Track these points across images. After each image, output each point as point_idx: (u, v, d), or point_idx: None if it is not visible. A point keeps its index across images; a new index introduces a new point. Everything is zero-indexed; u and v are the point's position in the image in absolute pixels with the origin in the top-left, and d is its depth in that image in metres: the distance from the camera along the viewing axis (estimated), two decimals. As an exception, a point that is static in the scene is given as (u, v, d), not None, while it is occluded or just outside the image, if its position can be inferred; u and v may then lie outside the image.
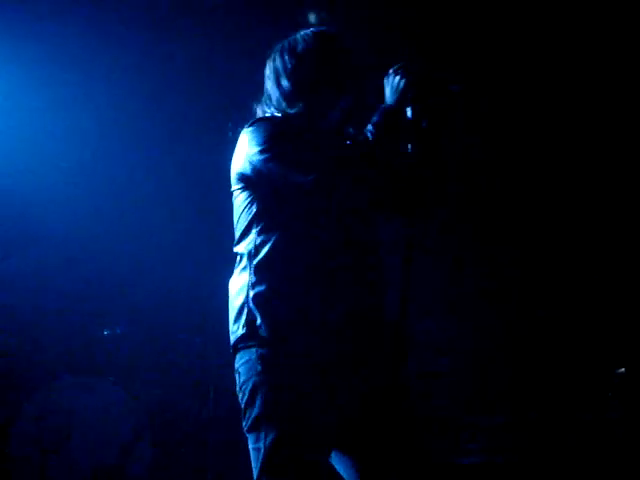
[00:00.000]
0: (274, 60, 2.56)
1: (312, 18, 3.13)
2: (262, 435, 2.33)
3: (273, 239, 2.37)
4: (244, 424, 2.40)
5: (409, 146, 2.47)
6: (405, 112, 2.45)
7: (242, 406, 2.39)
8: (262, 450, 2.33)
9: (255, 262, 2.38)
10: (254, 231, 2.40)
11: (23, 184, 4.24)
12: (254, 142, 2.41)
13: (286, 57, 2.53)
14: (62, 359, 4.51)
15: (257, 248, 2.38)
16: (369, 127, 2.42)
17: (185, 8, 4.07)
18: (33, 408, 4.25)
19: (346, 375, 2.38)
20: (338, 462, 2.44)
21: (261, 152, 2.38)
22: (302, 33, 2.59)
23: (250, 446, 2.40)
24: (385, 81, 2.53)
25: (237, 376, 2.41)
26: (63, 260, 4.39)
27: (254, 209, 2.42)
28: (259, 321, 2.34)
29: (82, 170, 4.34)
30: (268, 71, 2.56)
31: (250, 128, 2.45)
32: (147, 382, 4.44)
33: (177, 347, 4.48)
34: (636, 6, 3.44)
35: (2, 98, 4.16)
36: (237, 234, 2.48)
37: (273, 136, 2.40)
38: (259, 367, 2.33)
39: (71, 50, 4.13)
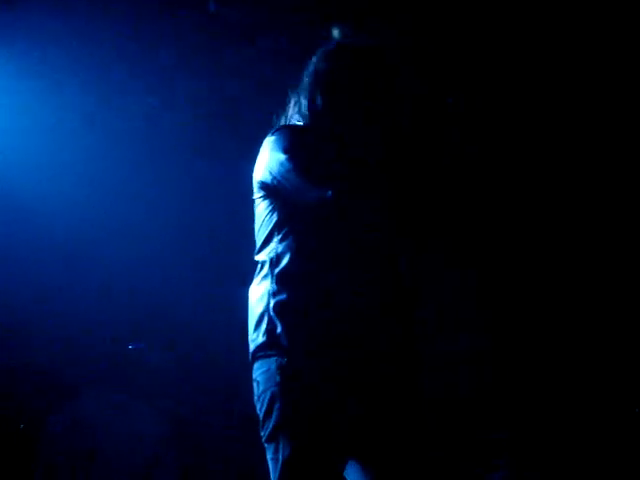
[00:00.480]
0: (308, 68, 2.54)
1: (335, 33, 3.12)
2: (280, 446, 2.32)
3: (294, 248, 2.36)
4: (262, 434, 2.39)
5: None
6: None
7: (260, 416, 2.39)
8: (280, 461, 2.32)
9: (276, 271, 2.37)
10: (275, 240, 2.40)
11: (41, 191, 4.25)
12: (275, 151, 2.41)
13: (320, 67, 2.51)
14: (89, 373, 4.54)
15: (278, 257, 2.38)
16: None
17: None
18: (61, 421, 4.28)
19: (364, 387, 2.36)
20: (353, 474, 2.43)
21: (281, 163, 2.38)
22: (341, 45, 2.59)
23: (268, 456, 2.39)
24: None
25: (255, 385, 2.40)
26: (95, 277, 4.43)
27: (275, 218, 2.41)
28: (279, 329, 2.33)
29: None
30: (301, 79, 2.55)
31: (272, 137, 2.45)
32: (173, 396, 4.45)
33: (202, 362, 4.49)
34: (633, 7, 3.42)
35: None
36: (258, 243, 2.48)
37: (294, 147, 2.39)
38: (278, 377, 2.32)
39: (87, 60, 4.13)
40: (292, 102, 2.55)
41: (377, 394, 2.38)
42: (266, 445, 2.39)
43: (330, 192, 2.31)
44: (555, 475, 3.41)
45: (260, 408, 2.38)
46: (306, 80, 2.52)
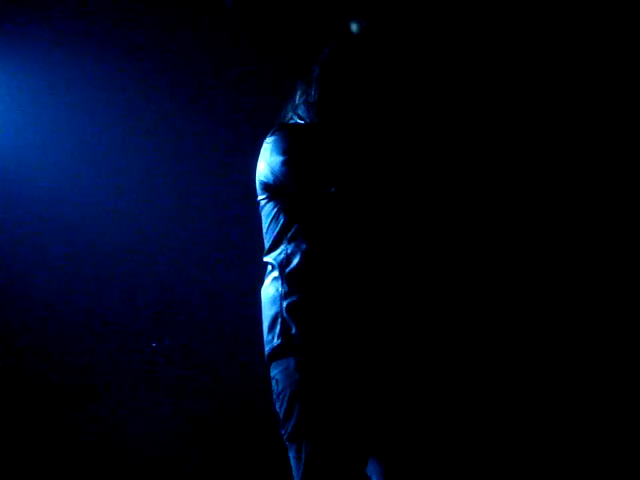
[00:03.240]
0: (310, 66, 2.55)
1: (354, 27, 3.12)
2: (303, 445, 2.35)
3: (304, 249, 2.38)
4: (283, 432, 2.42)
5: None
6: None
7: (280, 415, 2.41)
8: (303, 460, 2.35)
9: (287, 272, 2.39)
10: (284, 241, 2.42)
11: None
12: (276, 151, 2.41)
13: (321, 66, 2.52)
14: (114, 371, 4.57)
15: (288, 258, 2.40)
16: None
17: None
18: (86, 419, 4.32)
19: (379, 383, 2.40)
20: (374, 471, 2.45)
21: (282, 163, 2.38)
22: (344, 43, 2.58)
23: (290, 454, 2.42)
24: None
25: (274, 383, 2.42)
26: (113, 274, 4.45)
27: (282, 219, 2.43)
28: (294, 330, 2.35)
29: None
30: (302, 77, 2.56)
31: (272, 137, 2.45)
32: (196, 393, 4.48)
33: (224, 359, 4.51)
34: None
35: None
36: (267, 244, 2.50)
37: (294, 147, 2.40)
38: (297, 376, 2.35)
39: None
40: (297, 96, 2.55)
41: (391, 389, 2.41)
42: (288, 444, 2.41)
43: (333, 188, 2.32)
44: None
45: (280, 406, 2.40)
46: (312, 75, 2.53)
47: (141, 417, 4.36)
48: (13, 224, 4.22)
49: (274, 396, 2.43)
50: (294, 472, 2.42)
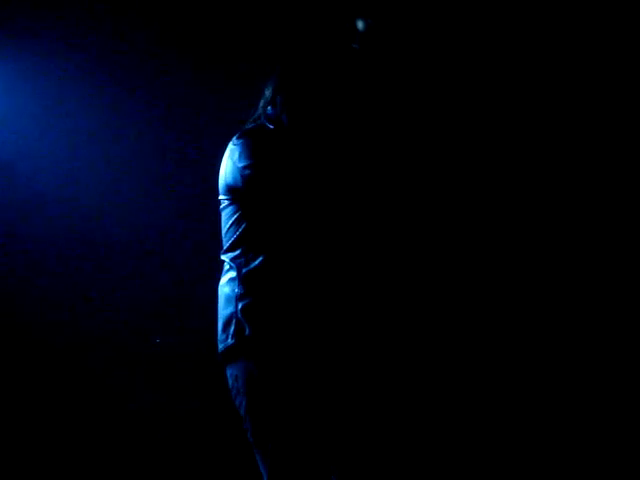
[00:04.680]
0: (276, 72, 2.54)
1: (360, 25, 3.10)
2: (261, 451, 2.36)
3: (262, 253, 2.38)
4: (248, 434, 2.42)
5: None
6: None
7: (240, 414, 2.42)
8: (262, 465, 2.37)
9: (244, 274, 2.39)
10: (244, 244, 2.42)
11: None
12: (242, 155, 2.41)
13: (286, 71, 2.50)
14: (137, 375, 4.59)
15: (247, 261, 2.40)
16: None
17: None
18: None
19: (335, 389, 2.37)
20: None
21: (247, 166, 2.38)
22: (308, 49, 2.56)
23: (257, 458, 2.42)
24: None
25: (230, 383, 2.43)
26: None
27: (243, 224, 2.43)
28: (248, 331, 2.36)
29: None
30: (268, 82, 2.54)
31: (239, 141, 2.45)
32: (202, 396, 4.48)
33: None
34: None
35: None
36: (225, 243, 2.49)
37: (260, 150, 2.39)
38: (250, 379, 2.35)
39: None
40: (263, 101, 2.53)
41: (344, 395, 2.38)
42: (254, 449, 2.42)
43: (292, 192, 2.33)
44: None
45: (238, 407, 2.41)
46: (280, 79, 2.51)
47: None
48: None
49: (232, 395, 2.43)
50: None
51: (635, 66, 3.33)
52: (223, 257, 2.49)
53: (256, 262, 2.37)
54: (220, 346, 2.44)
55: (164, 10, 3.81)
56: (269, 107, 2.50)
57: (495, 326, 3.36)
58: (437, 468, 3.25)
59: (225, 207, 2.50)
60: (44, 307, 4.02)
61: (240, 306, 2.37)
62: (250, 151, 2.39)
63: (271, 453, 2.31)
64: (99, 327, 4.00)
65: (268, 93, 2.52)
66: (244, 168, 2.39)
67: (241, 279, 2.39)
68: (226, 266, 2.48)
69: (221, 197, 2.53)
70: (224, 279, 2.47)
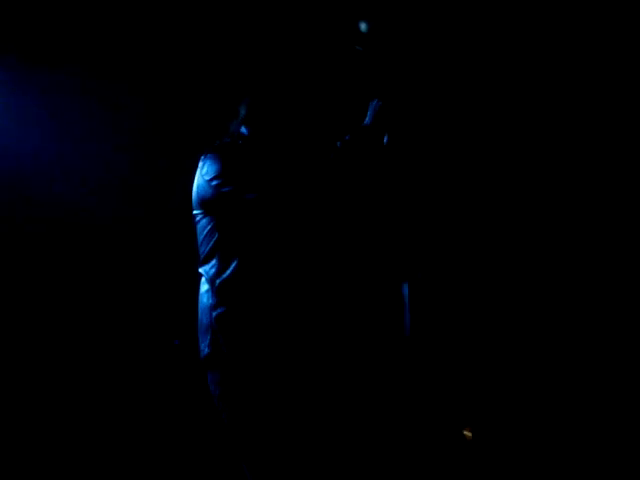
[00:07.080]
0: (255, 77, 2.66)
1: (363, 27, 3.12)
2: (244, 457, 2.48)
3: (234, 264, 2.47)
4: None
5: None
6: (381, 135, 2.51)
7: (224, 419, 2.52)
8: (247, 469, 2.49)
9: (217, 284, 2.48)
10: (216, 256, 2.50)
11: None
12: (210, 169, 2.50)
13: (251, 84, 2.63)
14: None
15: (218, 271, 2.49)
16: (339, 144, 2.47)
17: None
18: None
19: (306, 393, 2.47)
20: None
21: (214, 177, 2.47)
22: (275, 63, 2.75)
23: None
24: (370, 104, 2.62)
25: (211, 390, 2.53)
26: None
27: (216, 235, 2.51)
28: (221, 340, 2.45)
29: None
30: (247, 87, 2.64)
31: (209, 155, 2.54)
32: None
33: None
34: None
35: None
36: (201, 256, 2.58)
37: (226, 161, 2.48)
38: (226, 390, 2.45)
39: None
40: (236, 114, 2.63)
41: (321, 398, 2.50)
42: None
43: (252, 195, 2.41)
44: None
45: (221, 413, 2.51)
46: (252, 90, 2.62)
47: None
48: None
49: (214, 401, 2.54)
50: None
51: (635, 66, 3.31)
52: (200, 270, 2.57)
53: (228, 271, 2.46)
54: (201, 354, 2.53)
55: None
56: (240, 124, 2.61)
57: (495, 326, 3.36)
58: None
59: (199, 221, 2.58)
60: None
61: (214, 315, 2.46)
62: (216, 163, 2.49)
63: (252, 458, 2.42)
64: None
65: (242, 111, 2.63)
66: (212, 179, 2.48)
67: (215, 290, 2.48)
68: (203, 278, 2.55)
69: (195, 212, 2.61)
70: (202, 289, 2.55)
